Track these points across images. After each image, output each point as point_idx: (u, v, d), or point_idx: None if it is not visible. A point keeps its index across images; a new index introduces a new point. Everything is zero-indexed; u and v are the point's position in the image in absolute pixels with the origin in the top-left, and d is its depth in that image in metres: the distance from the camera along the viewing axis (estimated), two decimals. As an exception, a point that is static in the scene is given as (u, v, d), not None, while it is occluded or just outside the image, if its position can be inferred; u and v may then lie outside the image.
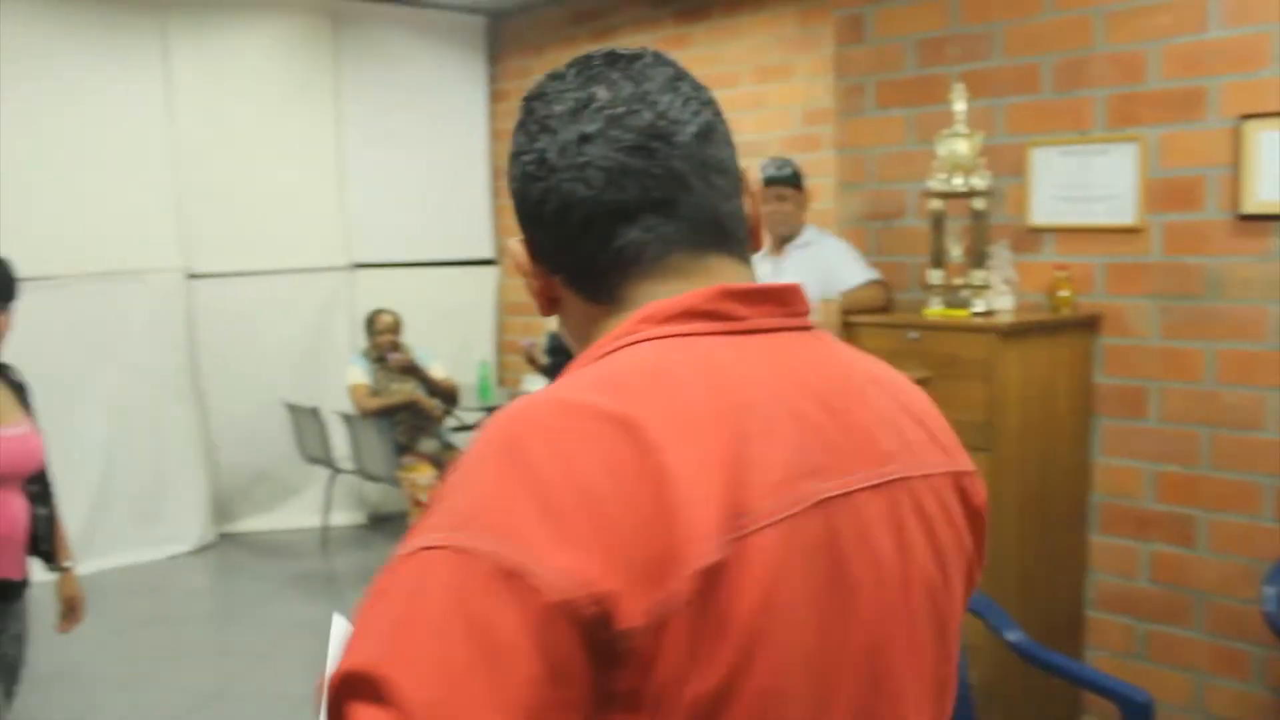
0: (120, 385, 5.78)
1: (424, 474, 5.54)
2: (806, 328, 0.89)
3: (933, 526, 0.86)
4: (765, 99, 5.74)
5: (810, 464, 0.77)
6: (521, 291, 6.95)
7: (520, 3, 6.83)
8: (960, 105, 3.63)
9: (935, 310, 3.63)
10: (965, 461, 0.94)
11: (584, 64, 0.92)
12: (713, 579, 0.68)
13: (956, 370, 3.40)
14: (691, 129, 0.88)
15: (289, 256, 6.42)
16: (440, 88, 6.94)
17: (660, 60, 0.93)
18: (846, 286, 3.85)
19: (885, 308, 3.85)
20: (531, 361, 5.95)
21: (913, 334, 3.51)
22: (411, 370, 5.77)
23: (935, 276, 3.66)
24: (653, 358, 0.79)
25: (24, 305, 5.66)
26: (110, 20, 5.89)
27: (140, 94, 6.00)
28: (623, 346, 0.82)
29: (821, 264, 4.04)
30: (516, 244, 0.92)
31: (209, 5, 6.17)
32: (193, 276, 6.16)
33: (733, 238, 0.90)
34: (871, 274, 3.94)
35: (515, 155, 0.90)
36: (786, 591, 0.72)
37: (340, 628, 0.85)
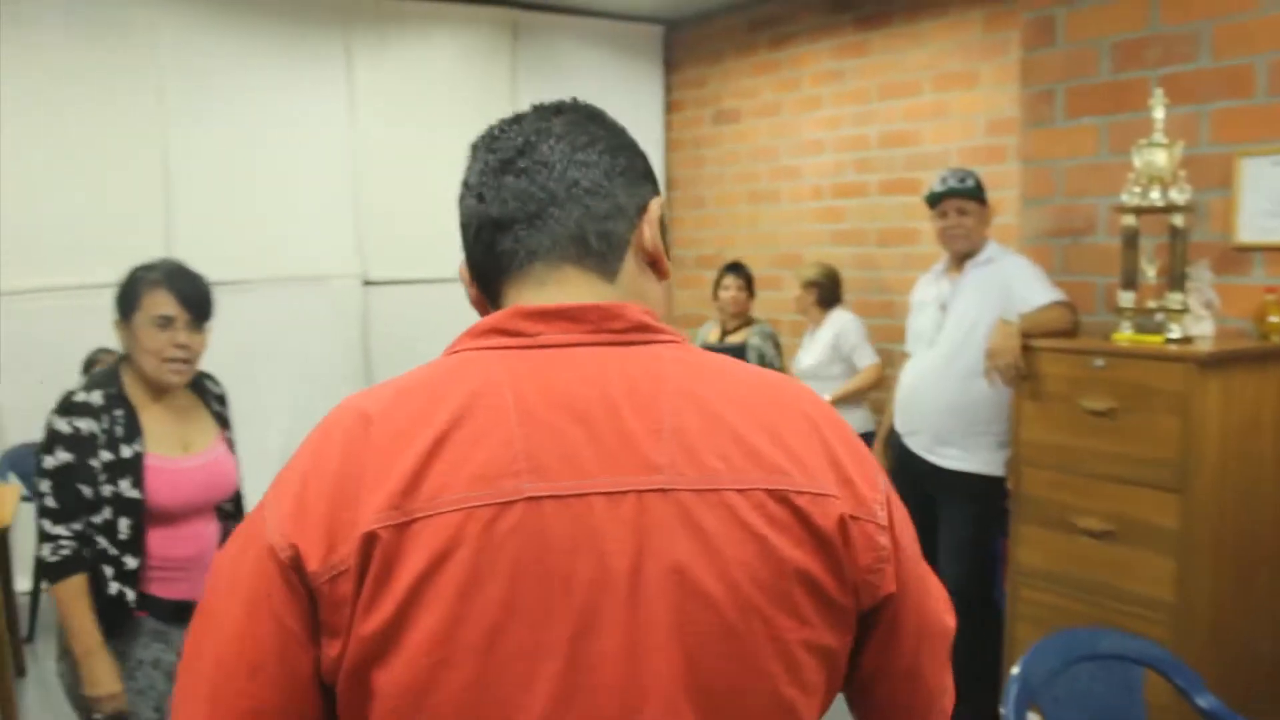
0: (300, 388, 5.95)
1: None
2: (622, 343, 0.97)
3: (711, 540, 0.89)
4: (947, 108, 5.48)
5: (525, 466, 0.88)
6: (683, 303, 6.86)
7: (697, 11, 6.75)
8: (1159, 112, 3.35)
9: (1125, 335, 3.35)
10: (802, 480, 0.93)
11: (523, 111, 1.09)
12: (371, 544, 0.85)
13: (1147, 402, 3.12)
14: (570, 156, 1.02)
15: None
16: (616, 98, 6.88)
17: (582, 109, 1.10)
18: (1028, 307, 3.60)
19: (1070, 331, 3.57)
20: None
21: (1098, 361, 3.24)
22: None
23: (1126, 299, 3.38)
24: (432, 370, 0.96)
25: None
26: (297, 32, 6.07)
27: (324, 104, 6.16)
28: (447, 354, 0.98)
29: (1002, 283, 3.80)
30: (460, 264, 1.07)
31: (392, 17, 6.30)
32: (368, 283, 6.30)
33: (597, 254, 1.01)
34: (1056, 294, 3.67)
35: (465, 180, 1.07)
36: (459, 569, 0.85)
37: None
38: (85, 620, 2.39)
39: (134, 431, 2.47)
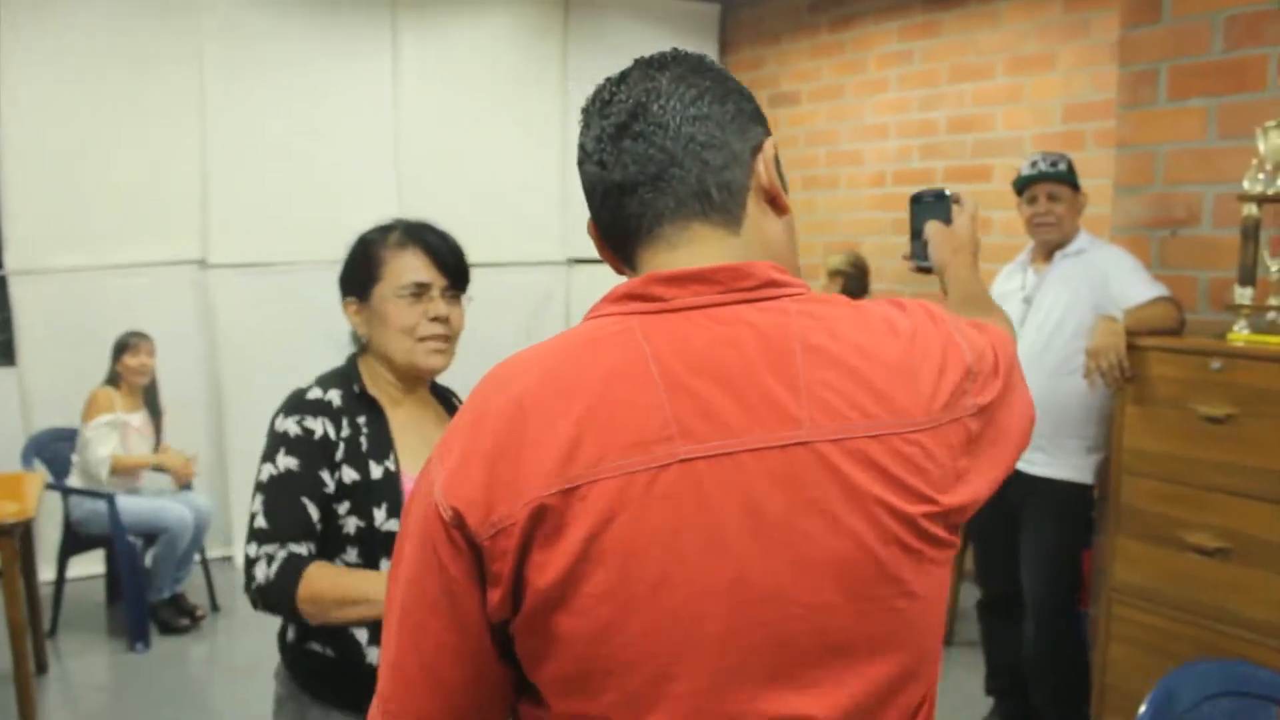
0: (332, 365, 5.72)
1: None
2: (752, 300, 1.00)
3: (850, 485, 0.95)
4: (1020, 92, 5.19)
5: (676, 429, 0.93)
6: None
7: (755, -10, 6.48)
8: (1287, 92, 3.06)
9: (1241, 335, 3.07)
10: (921, 416, 0.99)
11: (627, 69, 1.09)
12: (541, 512, 0.92)
13: (1272, 409, 2.83)
14: (683, 113, 1.03)
15: (508, 249, 6.26)
16: (668, 79, 6.65)
17: (685, 59, 1.11)
18: (1130, 303, 3.31)
19: (1176, 330, 3.29)
20: None
21: (1215, 363, 2.95)
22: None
23: (1244, 295, 3.09)
24: (574, 338, 1.00)
25: (242, 289, 5.73)
26: (342, 5, 5.85)
27: (368, 83, 5.95)
28: (587, 319, 1.03)
29: (1097, 275, 3.51)
30: (589, 223, 1.10)
31: (440, -7, 6.07)
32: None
33: (720, 207, 1.04)
34: (1159, 289, 3.38)
35: (586, 140, 1.08)
36: (624, 528, 0.91)
37: None
38: (355, 583, 1.78)
39: (386, 443, 1.93)
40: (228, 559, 5.57)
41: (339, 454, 1.87)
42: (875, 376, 0.98)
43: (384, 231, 2.01)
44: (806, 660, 0.96)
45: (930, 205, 1.60)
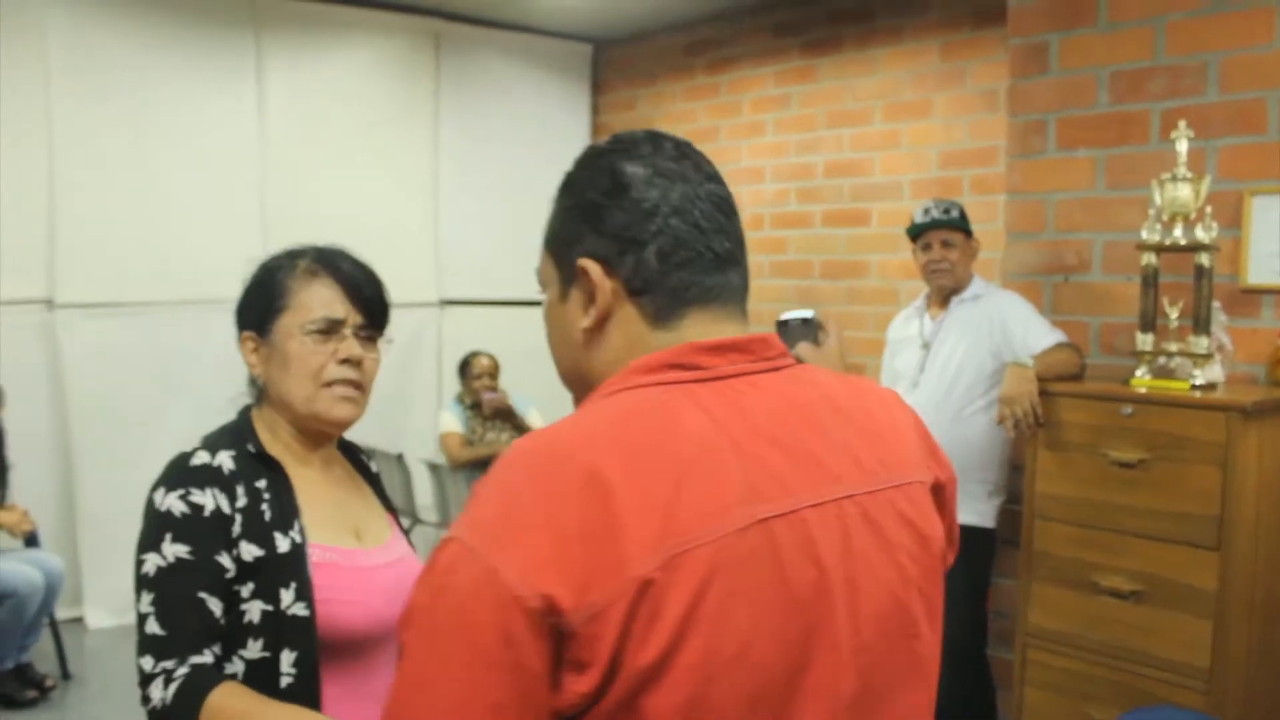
0: (194, 416, 5.39)
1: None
2: (776, 368, 1.07)
3: (884, 532, 1.04)
4: (898, 138, 5.29)
5: (748, 492, 0.96)
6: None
7: (631, 31, 6.45)
8: (1182, 145, 3.15)
9: (1143, 381, 3.13)
10: (922, 469, 1.13)
11: (661, 137, 1.11)
12: (645, 587, 0.89)
13: (1181, 453, 2.89)
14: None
15: (376, 290, 6.03)
16: (541, 117, 6.56)
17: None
18: (1033, 349, 3.36)
19: (1078, 375, 3.35)
20: (500, 415, 5.47)
21: (1127, 409, 3.00)
22: (507, 415, 5.33)
23: (1145, 341, 3.16)
24: (627, 409, 0.98)
25: (94, 332, 5.35)
26: (202, 30, 5.56)
27: (231, 113, 5.66)
28: (614, 393, 1.01)
29: (995, 320, 3.56)
30: (592, 264, 1.05)
31: (307, 20, 5.84)
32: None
33: (744, 295, 1.12)
34: (1058, 335, 3.44)
35: (621, 191, 1.06)
36: (718, 595, 0.91)
37: None
38: (274, 713, 1.49)
39: (290, 510, 1.64)
40: (78, 620, 5.14)
41: (236, 528, 1.57)
42: (882, 435, 1.10)
43: (292, 257, 1.74)
44: (854, 705, 1.01)
45: (798, 329, 1.58)
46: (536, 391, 5.73)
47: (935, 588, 1.10)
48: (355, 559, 1.68)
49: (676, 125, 6.31)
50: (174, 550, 1.53)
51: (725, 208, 1.09)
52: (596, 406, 1.01)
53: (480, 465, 5.31)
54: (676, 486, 0.93)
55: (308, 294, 1.70)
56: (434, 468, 5.44)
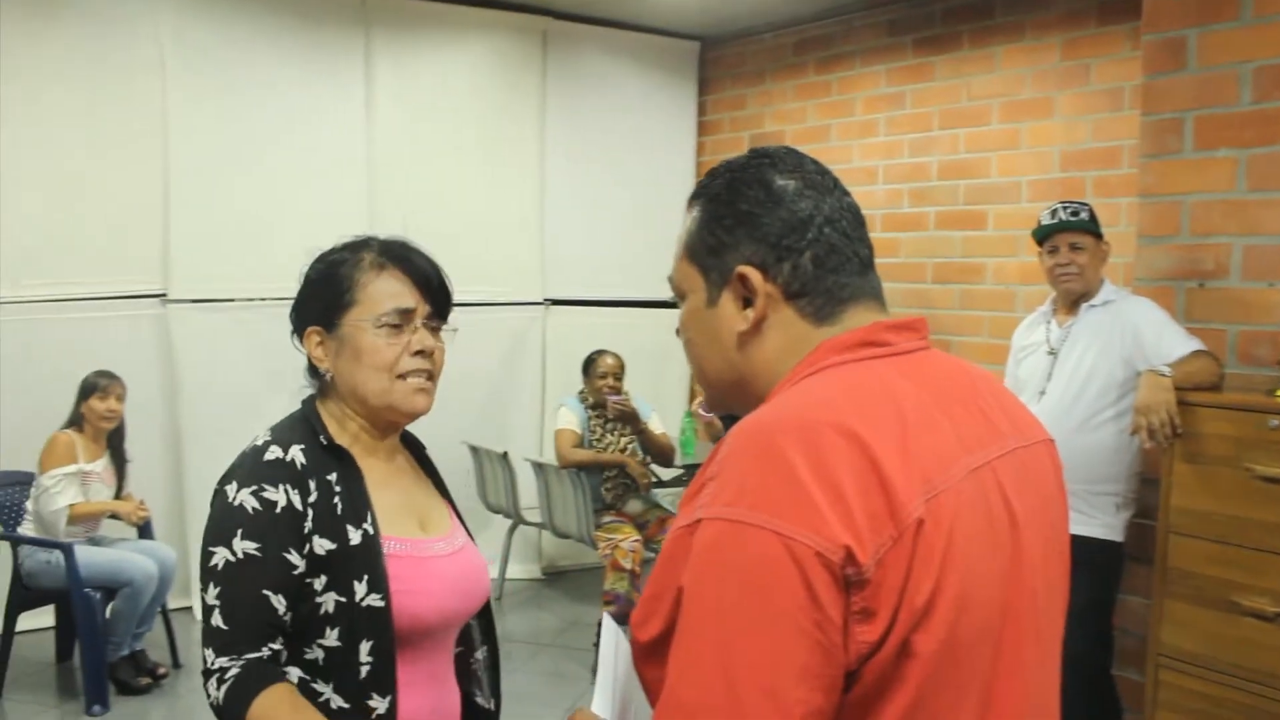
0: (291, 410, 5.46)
1: (627, 536, 4.96)
2: (929, 346, 1.20)
3: (1038, 482, 1.17)
4: (1017, 138, 5.13)
5: (957, 446, 1.08)
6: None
7: (739, 29, 6.38)
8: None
9: (1291, 392, 2.98)
10: (1043, 431, 1.25)
11: (797, 152, 1.22)
12: (919, 528, 0.98)
13: (1334, 469, 2.74)
14: None
15: (481, 288, 6.03)
16: (646, 115, 6.51)
17: None
18: (1169, 358, 3.21)
19: (1217, 385, 3.19)
20: (624, 419, 5.35)
21: (1275, 421, 2.85)
22: (631, 419, 5.25)
23: (1294, 351, 3.01)
24: (844, 381, 1.09)
25: (205, 326, 5.44)
26: (313, 29, 5.63)
27: (341, 111, 5.72)
28: (815, 372, 1.12)
29: (1126, 328, 3.42)
30: (751, 270, 1.14)
31: (416, 18, 5.86)
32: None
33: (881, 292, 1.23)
34: (1195, 344, 3.28)
35: (776, 202, 1.16)
36: (960, 535, 1.01)
37: (612, 630, 1.38)
38: None
39: (362, 502, 1.64)
40: (187, 609, 5.22)
41: (308, 523, 1.58)
42: (1007, 400, 1.22)
43: (355, 250, 1.74)
44: (1038, 638, 1.12)
45: None
46: (643, 392, 5.69)
47: (1066, 533, 1.23)
48: (423, 549, 1.70)
49: (785, 124, 6.22)
50: (243, 546, 1.55)
51: (860, 218, 1.20)
52: (812, 382, 1.10)
53: (592, 469, 5.26)
54: (910, 440, 1.03)
55: (376, 287, 1.70)
56: (539, 467, 5.42)
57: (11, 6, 4.90)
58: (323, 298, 1.71)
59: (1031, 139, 5.08)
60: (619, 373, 5.35)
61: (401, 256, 1.73)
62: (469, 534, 1.84)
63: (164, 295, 5.33)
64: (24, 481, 4.53)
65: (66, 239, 5.08)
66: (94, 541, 4.48)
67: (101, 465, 4.54)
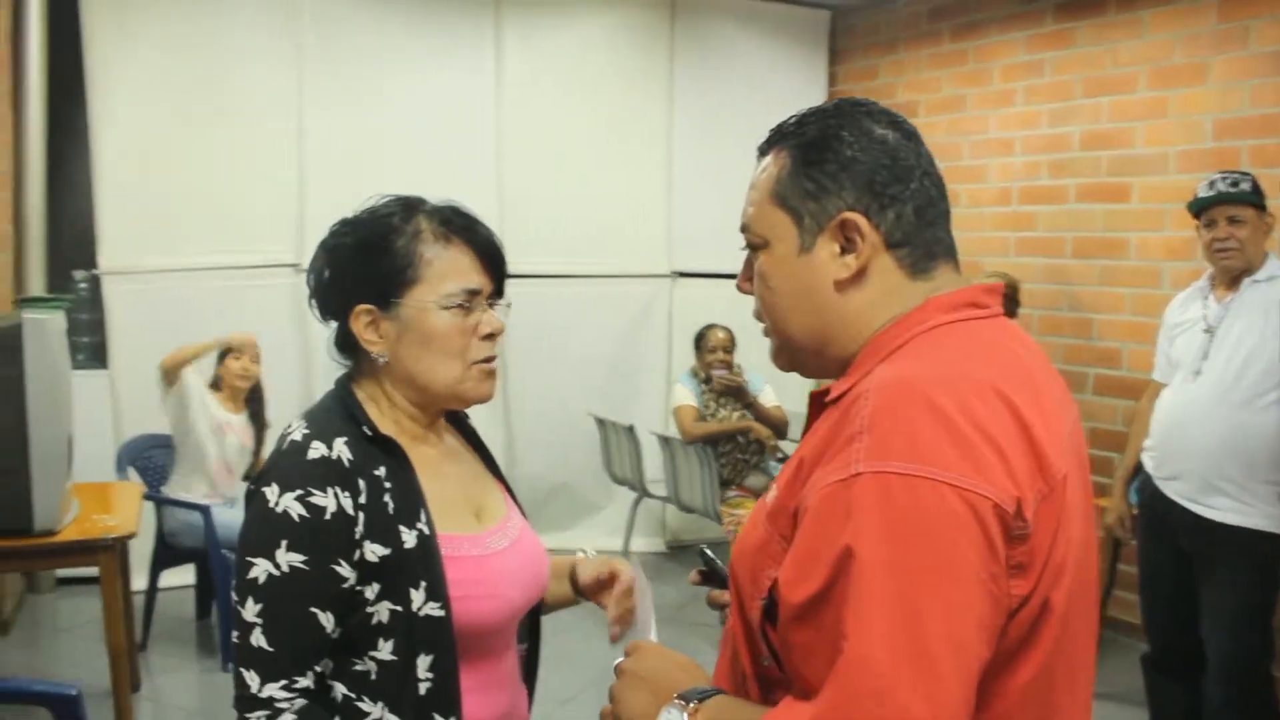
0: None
1: (750, 510, 4.94)
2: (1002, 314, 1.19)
3: (1084, 461, 1.16)
4: (1165, 106, 4.90)
5: (1060, 409, 1.10)
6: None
7: (871, -4, 6.22)
8: None
9: None
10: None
11: (876, 104, 1.20)
12: (1064, 483, 1.02)
13: None
14: None
15: (608, 260, 6.04)
16: (775, 87, 6.38)
17: None
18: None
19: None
20: (730, 393, 5.28)
21: None
22: (737, 393, 5.22)
23: None
24: (972, 340, 1.10)
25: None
26: (445, 9, 5.69)
27: (470, 83, 5.79)
28: (927, 330, 1.10)
29: (1293, 305, 3.23)
30: (859, 216, 1.12)
31: (543, -6, 5.87)
32: (508, 277, 5.84)
33: None
34: (1373, 323, 3.09)
35: (882, 149, 1.14)
36: (1074, 494, 1.05)
37: (640, 570, 1.66)
38: None
39: (414, 499, 1.48)
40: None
41: (359, 528, 1.42)
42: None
43: (406, 216, 1.53)
44: (1096, 599, 1.16)
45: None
46: (765, 366, 5.62)
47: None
48: (482, 545, 1.54)
49: (919, 95, 6.06)
50: (289, 559, 1.39)
51: (942, 177, 1.19)
52: (936, 340, 1.10)
53: (712, 442, 5.22)
54: (1039, 399, 1.05)
55: (444, 263, 1.51)
56: (665, 441, 5.40)
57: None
58: (376, 271, 1.50)
59: (1181, 107, 4.84)
60: (729, 346, 5.31)
61: (465, 226, 1.55)
62: (521, 510, 1.71)
63: (298, 265, 5.44)
64: (165, 444, 4.67)
65: (208, 211, 5.22)
66: (232, 504, 4.60)
67: (239, 421, 4.66)
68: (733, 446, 5.28)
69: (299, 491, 1.40)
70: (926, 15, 6.01)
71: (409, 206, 1.55)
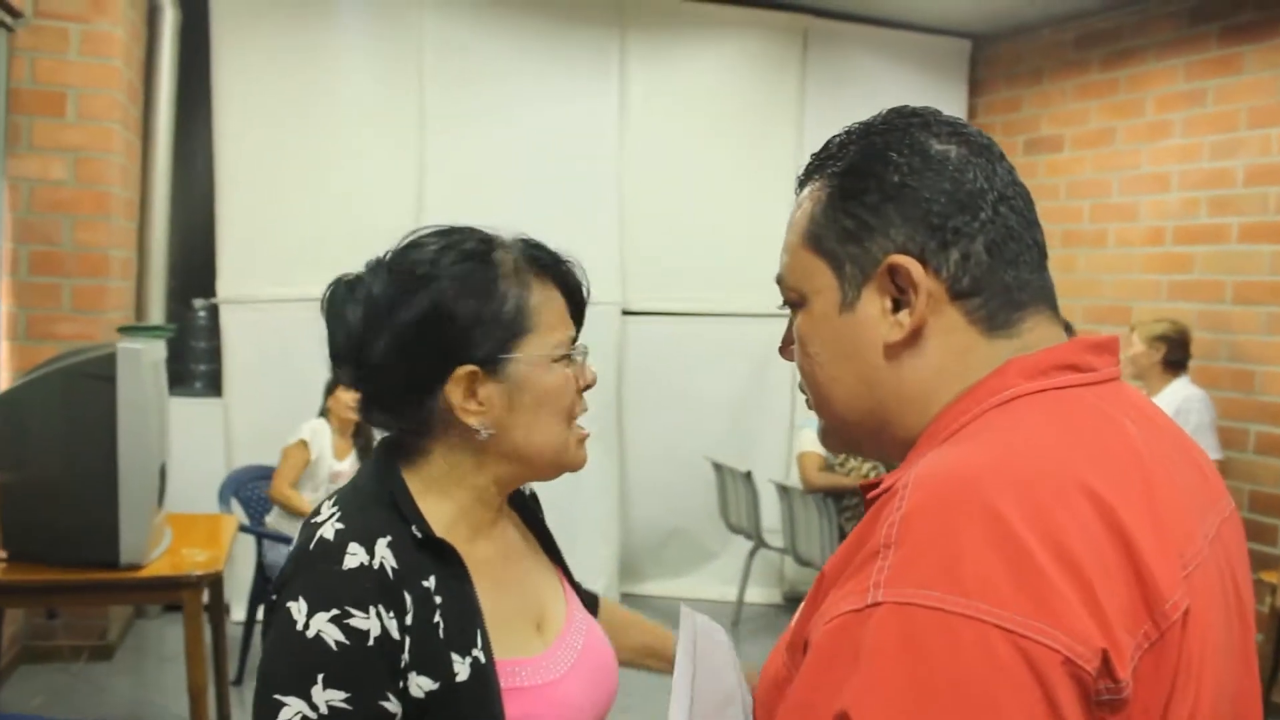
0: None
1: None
2: (1119, 376, 0.92)
3: (1245, 555, 0.92)
4: (1344, 138, 4.46)
5: (1194, 506, 0.83)
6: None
7: (1014, 25, 5.89)
8: None
9: None
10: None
11: (945, 116, 0.94)
12: (1186, 620, 0.73)
13: None
14: None
15: (731, 298, 5.81)
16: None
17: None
18: None
19: None
20: None
21: None
22: (864, 445, 4.94)
23: None
24: (1062, 418, 0.82)
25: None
26: (568, 29, 5.58)
27: (595, 113, 5.64)
28: (1005, 402, 0.84)
29: None
30: (909, 261, 0.86)
31: (671, 17, 5.71)
32: (626, 313, 5.68)
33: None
34: None
35: (937, 171, 0.88)
36: (1210, 629, 0.77)
37: (692, 622, 1.19)
38: None
39: (470, 619, 1.19)
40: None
41: (405, 655, 1.13)
42: (1205, 455, 0.96)
43: (488, 254, 1.25)
44: None
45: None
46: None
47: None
48: (546, 670, 1.26)
49: (1065, 128, 5.69)
50: (327, 698, 1.09)
51: (1029, 197, 0.93)
52: (1013, 417, 0.83)
53: (835, 494, 4.94)
54: (1153, 498, 0.78)
55: (550, 306, 1.26)
56: (783, 490, 5.13)
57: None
58: (481, 322, 1.21)
59: (1363, 138, 4.40)
60: None
61: (554, 263, 1.29)
62: (581, 598, 1.45)
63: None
64: (269, 475, 4.61)
65: (324, 239, 5.18)
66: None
67: (348, 466, 4.57)
68: (858, 500, 4.98)
69: (334, 611, 1.10)
70: (1073, 44, 5.66)
71: (486, 240, 1.27)
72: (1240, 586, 0.88)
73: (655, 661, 1.60)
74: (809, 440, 5.07)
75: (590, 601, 1.55)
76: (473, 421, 1.21)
